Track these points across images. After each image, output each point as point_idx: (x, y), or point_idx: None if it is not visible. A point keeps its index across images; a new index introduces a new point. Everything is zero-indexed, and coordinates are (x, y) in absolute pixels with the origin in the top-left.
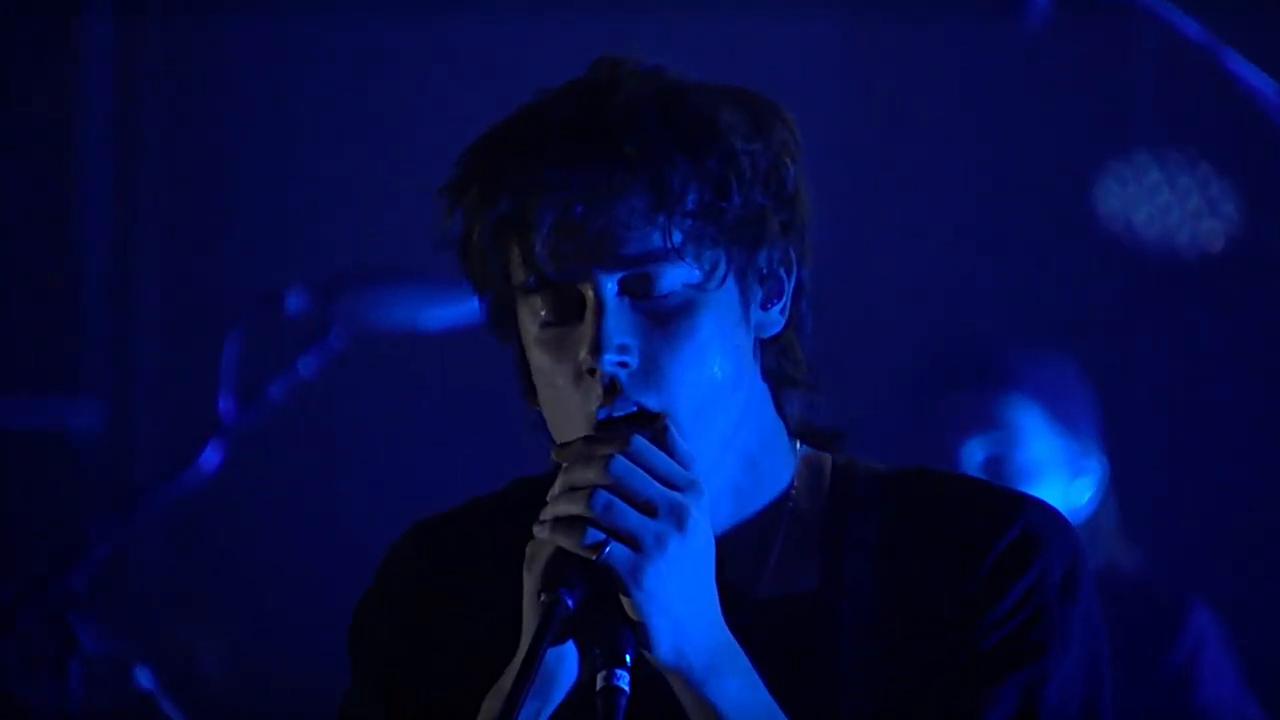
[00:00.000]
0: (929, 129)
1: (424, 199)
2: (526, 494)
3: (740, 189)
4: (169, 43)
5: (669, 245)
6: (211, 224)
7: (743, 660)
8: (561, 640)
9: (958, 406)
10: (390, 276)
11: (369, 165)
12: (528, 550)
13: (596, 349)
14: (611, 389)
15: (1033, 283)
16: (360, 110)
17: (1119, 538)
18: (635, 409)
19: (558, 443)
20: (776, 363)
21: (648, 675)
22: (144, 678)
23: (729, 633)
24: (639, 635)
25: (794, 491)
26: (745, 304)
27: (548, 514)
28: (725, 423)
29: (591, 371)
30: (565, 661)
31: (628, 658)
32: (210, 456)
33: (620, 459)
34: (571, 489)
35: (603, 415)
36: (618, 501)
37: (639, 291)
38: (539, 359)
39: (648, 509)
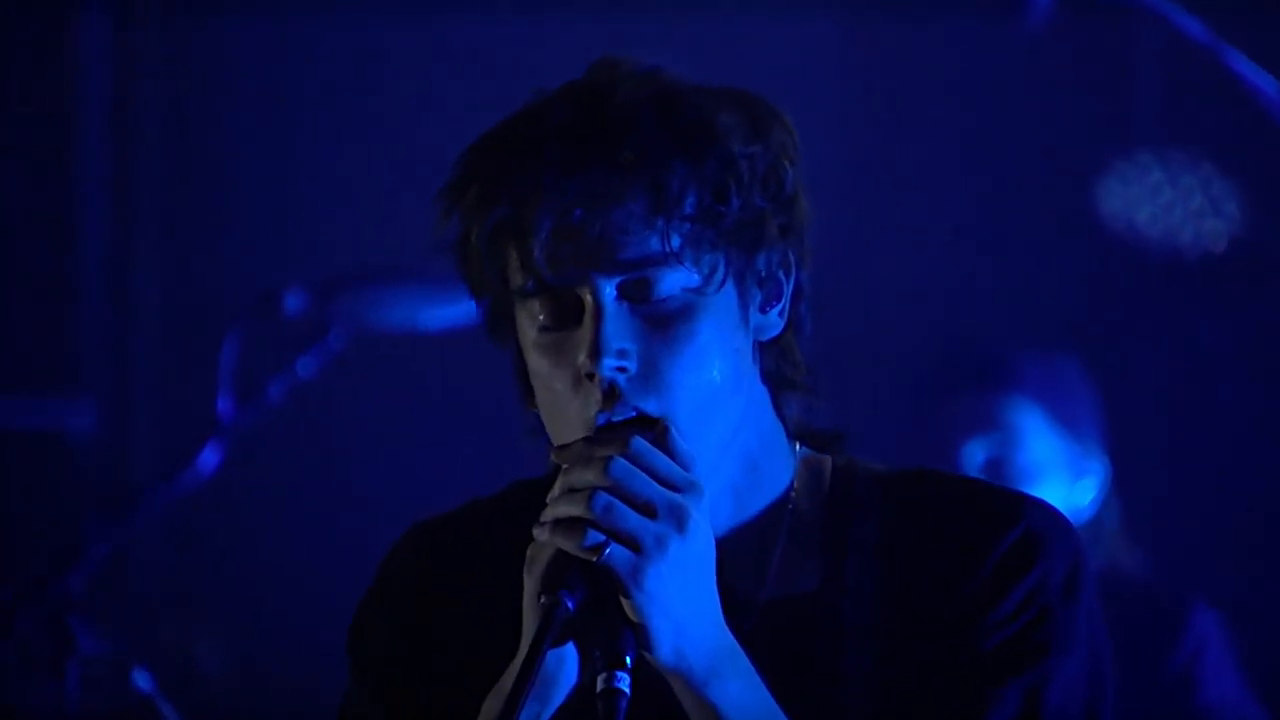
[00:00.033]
0: (929, 129)
1: (423, 199)
2: (526, 496)
3: (739, 192)
4: (167, 42)
5: (667, 249)
6: (210, 224)
7: (744, 661)
8: (561, 642)
9: (958, 408)
10: (389, 276)
11: (368, 165)
12: (528, 552)
13: (595, 354)
14: (610, 394)
15: (1033, 283)
16: (359, 110)
17: (1121, 539)
18: (634, 414)
19: (556, 445)
20: (776, 365)
21: (648, 677)
22: (142, 679)
23: (730, 634)
24: (639, 637)
25: (794, 493)
26: (744, 307)
27: (547, 516)
28: (724, 426)
29: (590, 376)
30: (565, 663)
31: (628, 659)
32: (209, 457)
33: (620, 460)
34: (571, 491)
35: (601, 420)
36: (617, 503)
37: (638, 296)
38: (537, 363)
39: (648, 510)
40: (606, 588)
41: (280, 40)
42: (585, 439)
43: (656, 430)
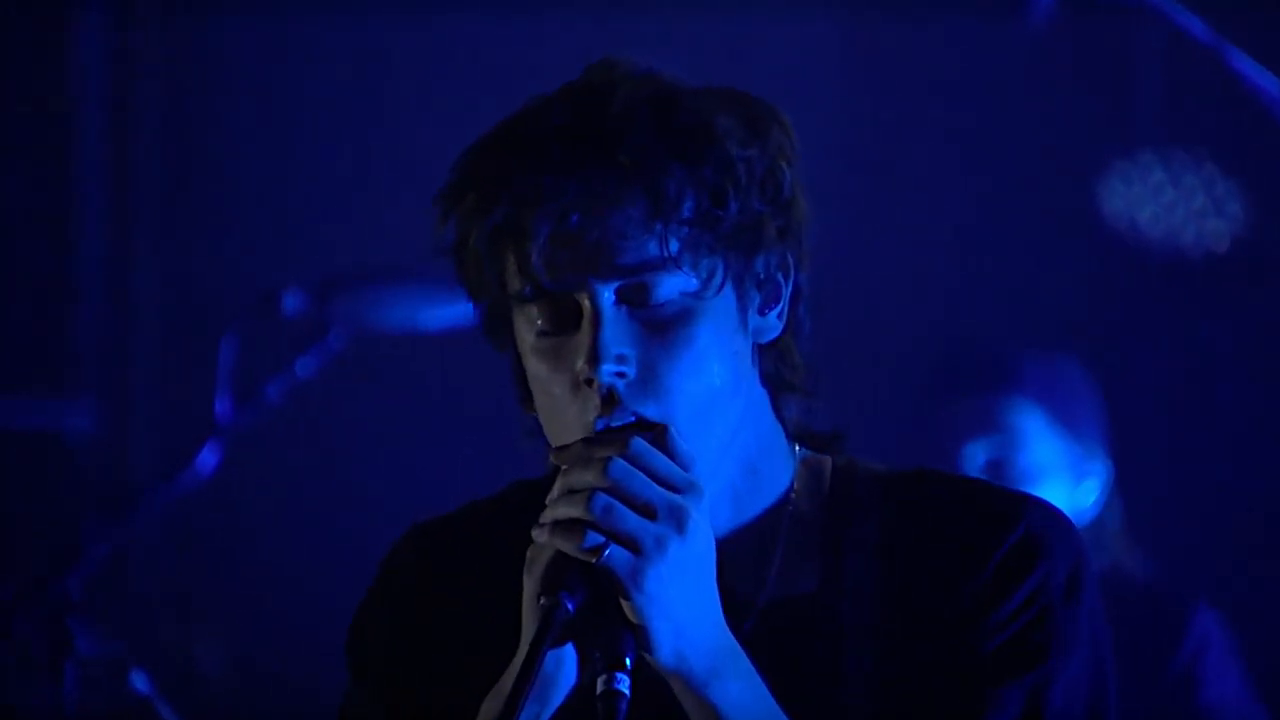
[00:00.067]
0: (929, 129)
1: (423, 199)
2: (525, 497)
3: (737, 196)
4: (167, 42)
5: (666, 254)
6: (209, 224)
7: (744, 662)
8: (561, 643)
9: (958, 409)
10: (389, 276)
11: (367, 165)
12: (528, 553)
13: (594, 359)
14: (609, 399)
15: (1034, 283)
16: (358, 110)
17: (1124, 540)
18: (634, 419)
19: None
20: (775, 367)
21: (648, 678)
22: (140, 680)
23: (730, 635)
24: (640, 638)
25: (794, 494)
26: (743, 310)
27: (547, 517)
28: (724, 429)
29: (589, 382)
30: (564, 665)
31: (628, 661)
32: (207, 458)
33: (619, 461)
34: (570, 492)
35: (600, 426)
36: (617, 504)
37: (636, 300)
38: (535, 367)
39: (647, 511)
40: (606, 589)
41: (280, 40)
42: (584, 440)
43: (656, 431)
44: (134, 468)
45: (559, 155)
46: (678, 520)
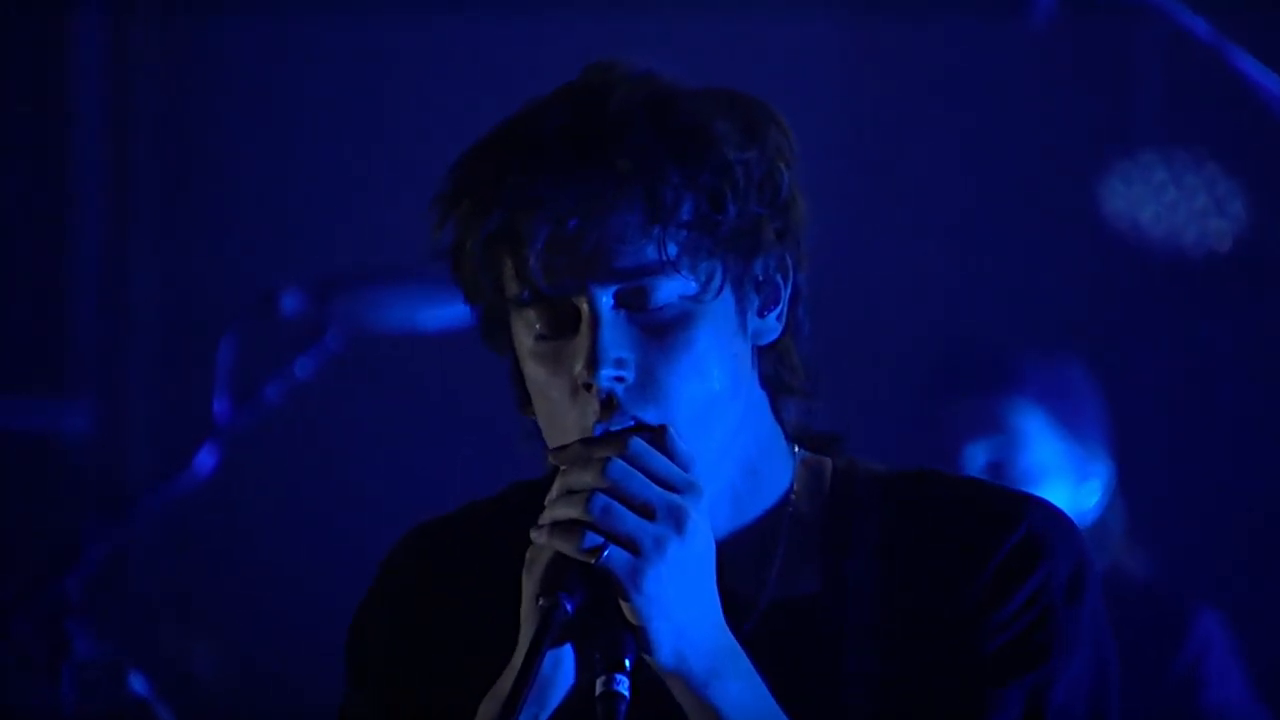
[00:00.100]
0: (929, 129)
1: (422, 200)
2: (525, 498)
3: (735, 199)
4: (165, 42)
5: (664, 258)
6: (207, 225)
7: (745, 662)
8: (560, 645)
9: (959, 410)
10: (388, 276)
11: (366, 165)
12: (527, 554)
13: (593, 364)
14: (608, 404)
15: (1034, 284)
16: (357, 110)
17: (1126, 541)
18: (633, 424)
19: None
20: (774, 370)
21: (648, 679)
22: (138, 683)
23: (730, 635)
24: (639, 639)
25: (794, 496)
26: (742, 313)
27: (545, 518)
28: (723, 432)
29: (588, 386)
30: (561, 666)
31: (627, 662)
32: (205, 459)
33: (618, 462)
34: (569, 492)
35: (599, 431)
36: (615, 505)
37: (634, 304)
38: (534, 371)
39: (646, 512)
40: (606, 590)
41: (279, 40)
42: (583, 440)
43: (655, 431)
44: (132, 469)
45: (556, 159)
46: (677, 520)
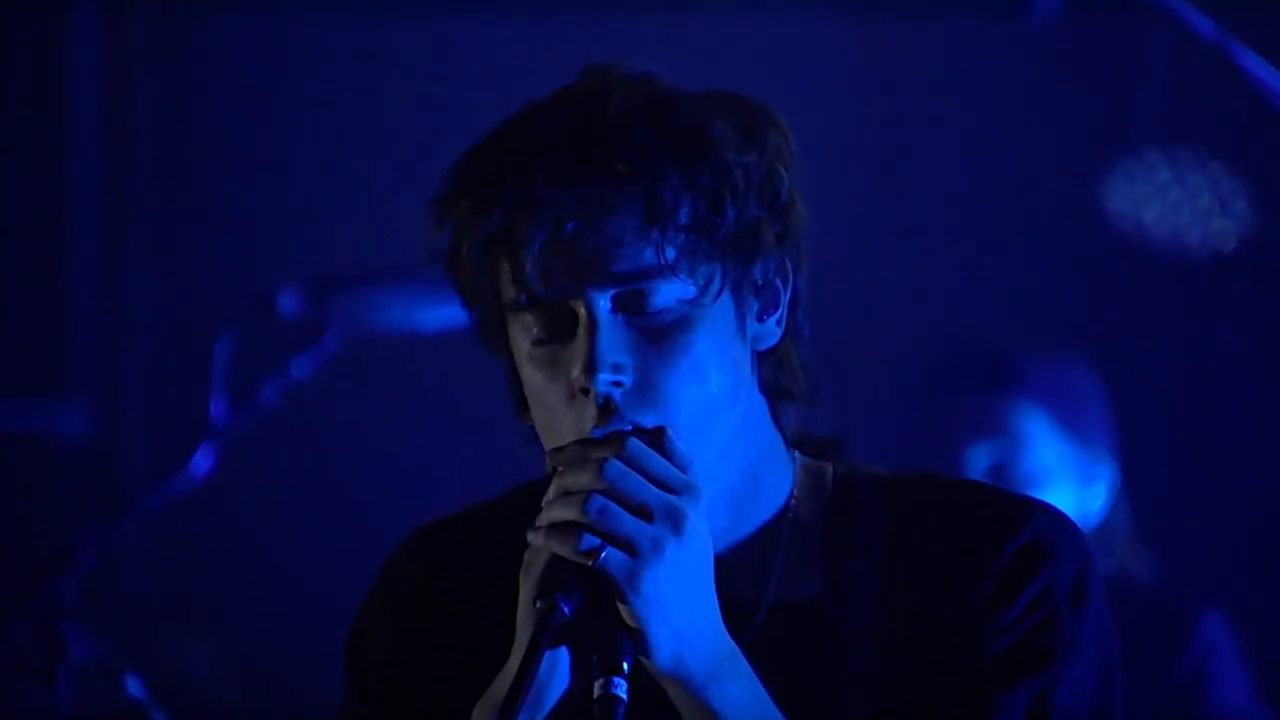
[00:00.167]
0: (929, 129)
1: (421, 200)
2: (524, 500)
3: (734, 203)
4: (159, 42)
5: (662, 261)
6: (203, 225)
7: (744, 665)
8: (557, 647)
9: (961, 411)
10: (386, 277)
11: (365, 166)
12: (525, 556)
13: (590, 368)
14: (606, 408)
15: (1035, 283)
16: (356, 110)
17: (1130, 544)
18: (631, 429)
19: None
20: (774, 374)
21: (646, 682)
22: (134, 686)
23: (728, 637)
24: (637, 642)
25: (794, 500)
26: (741, 317)
27: (542, 520)
28: (722, 437)
29: (585, 391)
30: (557, 669)
31: (625, 665)
32: (201, 460)
33: (615, 463)
34: (566, 494)
35: (598, 435)
36: (612, 506)
37: (633, 308)
38: (531, 376)
39: (643, 513)
40: (603, 592)
41: (278, 40)
42: (580, 441)
43: (653, 432)
44: (128, 470)
45: (554, 162)
46: (674, 522)
